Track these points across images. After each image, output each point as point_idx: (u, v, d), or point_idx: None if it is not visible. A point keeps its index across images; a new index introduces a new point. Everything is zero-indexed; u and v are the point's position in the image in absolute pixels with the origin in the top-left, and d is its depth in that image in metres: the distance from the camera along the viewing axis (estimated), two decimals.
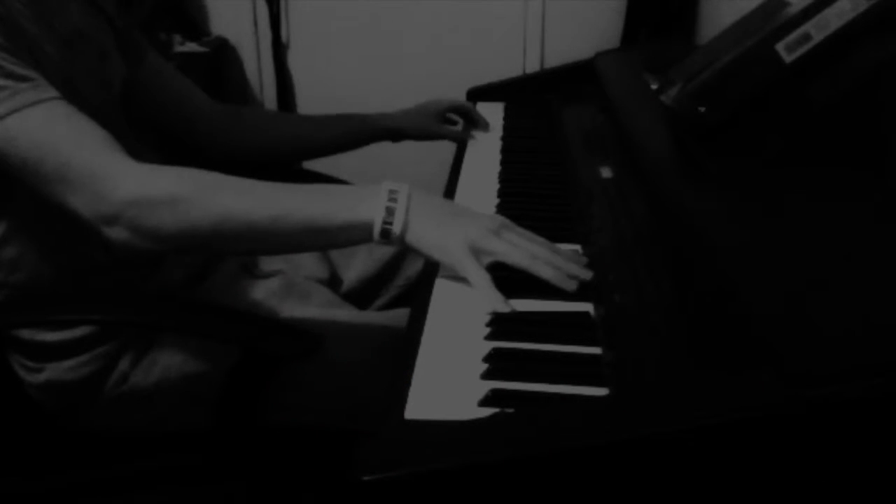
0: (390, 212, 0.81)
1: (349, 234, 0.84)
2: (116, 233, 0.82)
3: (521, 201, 1.07)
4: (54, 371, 0.97)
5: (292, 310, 1.07)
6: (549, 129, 1.38)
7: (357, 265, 1.24)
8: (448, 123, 1.38)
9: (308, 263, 1.21)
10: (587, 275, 0.81)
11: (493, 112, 1.47)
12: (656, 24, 1.73)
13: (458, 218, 0.84)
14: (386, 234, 0.81)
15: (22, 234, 0.94)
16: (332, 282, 1.22)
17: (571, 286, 0.80)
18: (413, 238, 0.82)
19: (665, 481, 0.54)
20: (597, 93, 1.43)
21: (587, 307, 0.78)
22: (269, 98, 2.00)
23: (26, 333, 0.97)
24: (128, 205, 0.81)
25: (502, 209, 1.04)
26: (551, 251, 0.82)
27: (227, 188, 0.84)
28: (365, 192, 0.83)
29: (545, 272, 0.80)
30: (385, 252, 1.23)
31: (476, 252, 0.81)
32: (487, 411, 0.63)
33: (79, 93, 0.88)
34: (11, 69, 0.82)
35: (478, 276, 0.79)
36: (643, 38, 1.75)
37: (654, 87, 1.15)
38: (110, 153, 0.83)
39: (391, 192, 0.82)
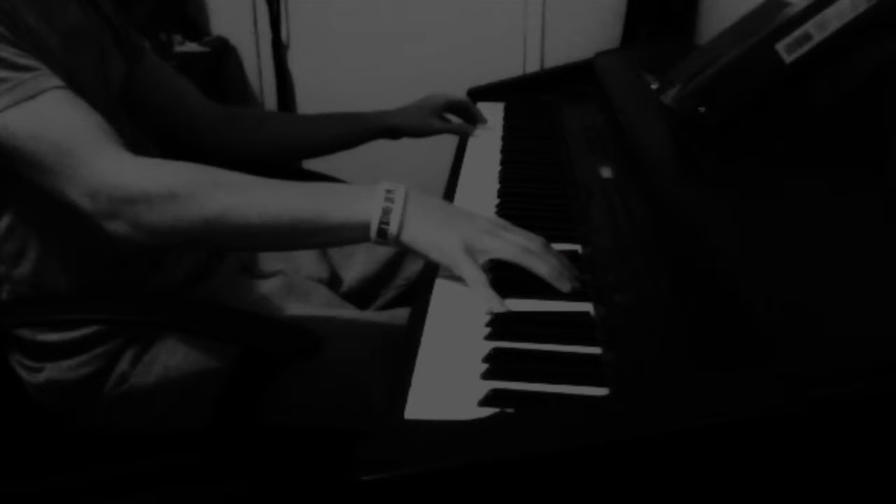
0: (387, 212, 0.81)
1: (346, 234, 0.84)
2: (117, 227, 0.83)
3: (521, 201, 1.07)
4: (54, 371, 0.97)
5: (292, 310, 1.08)
6: (549, 129, 1.38)
7: (357, 265, 1.24)
8: (446, 121, 1.38)
9: (308, 263, 1.21)
10: (574, 278, 0.82)
11: (493, 112, 1.47)
12: (656, 24, 1.73)
13: (455, 218, 0.84)
14: (382, 234, 0.82)
15: (25, 227, 0.94)
16: (332, 282, 1.22)
17: (565, 285, 0.80)
18: (409, 238, 0.82)
19: (665, 481, 0.54)
20: (597, 93, 1.43)
21: (587, 307, 0.78)
22: (269, 98, 2.00)
23: (27, 333, 0.97)
24: (127, 200, 0.81)
25: (502, 209, 1.04)
26: (547, 250, 0.83)
27: (226, 185, 0.84)
28: (362, 191, 0.83)
29: (540, 268, 0.80)
30: (385, 252, 1.23)
31: (471, 251, 0.81)
32: (487, 411, 0.63)
33: (81, 89, 0.89)
34: (14, 60, 0.82)
35: (473, 275, 0.79)
36: (643, 38, 1.75)
37: (654, 87, 1.16)
38: (111, 147, 0.83)
39: (388, 192, 0.82)
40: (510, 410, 0.63)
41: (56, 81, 0.84)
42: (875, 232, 0.73)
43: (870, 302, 0.62)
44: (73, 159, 0.82)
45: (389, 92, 1.71)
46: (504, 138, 1.36)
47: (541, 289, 0.80)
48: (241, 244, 0.98)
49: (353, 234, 0.83)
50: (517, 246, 0.81)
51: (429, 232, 0.82)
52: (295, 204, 0.84)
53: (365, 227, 0.82)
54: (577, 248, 0.91)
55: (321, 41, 1.96)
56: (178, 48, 1.85)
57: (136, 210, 0.81)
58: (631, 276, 0.81)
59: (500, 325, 0.75)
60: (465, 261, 0.80)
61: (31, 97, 0.82)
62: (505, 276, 0.80)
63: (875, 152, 0.88)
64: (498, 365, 0.69)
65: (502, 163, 1.23)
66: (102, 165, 0.82)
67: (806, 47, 0.87)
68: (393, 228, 0.81)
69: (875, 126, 0.90)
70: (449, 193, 1.12)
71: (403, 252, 1.21)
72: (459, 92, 1.50)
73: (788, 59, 0.88)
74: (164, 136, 1.17)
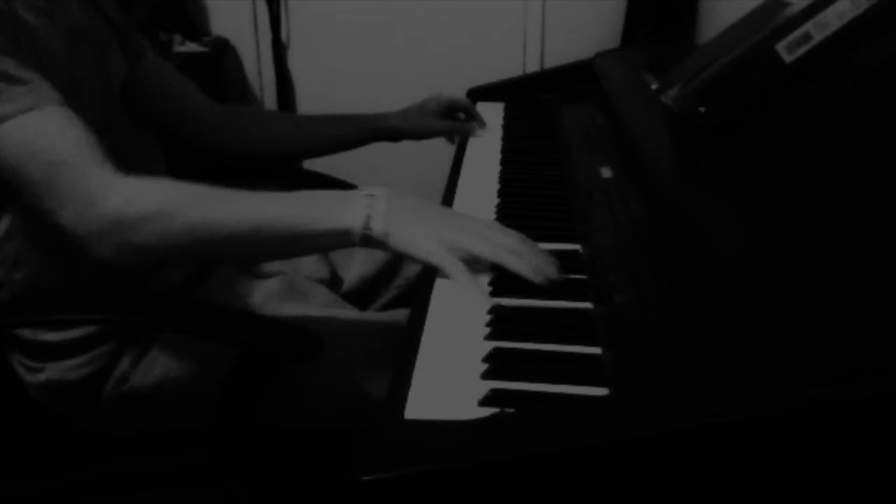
0: (369, 217, 0.82)
1: (331, 241, 0.85)
2: (102, 250, 0.82)
3: (521, 201, 1.07)
4: (55, 371, 0.97)
5: (292, 310, 1.08)
6: (549, 129, 1.38)
7: (357, 265, 1.24)
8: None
9: (308, 263, 1.21)
10: (555, 273, 0.82)
11: (493, 112, 1.47)
12: (656, 24, 1.73)
13: (435, 216, 0.85)
14: (367, 239, 0.82)
15: (23, 232, 0.94)
16: (332, 282, 1.22)
17: (540, 279, 0.80)
18: (392, 240, 0.83)
19: (665, 481, 0.54)
20: (597, 93, 1.43)
21: (587, 307, 0.78)
22: (269, 98, 2.00)
23: (27, 333, 0.97)
24: (112, 223, 0.81)
25: (502, 209, 1.04)
26: (526, 247, 0.83)
27: (209, 201, 0.84)
28: (344, 198, 0.84)
29: (518, 266, 0.81)
30: (385, 252, 1.23)
31: (448, 246, 0.81)
32: (487, 411, 0.63)
33: (82, 89, 0.88)
34: (10, 73, 0.81)
35: (454, 268, 0.80)
36: (643, 38, 1.75)
37: (654, 87, 1.15)
38: (98, 167, 0.83)
39: (369, 197, 0.83)
40: (510, 410, 0.63)
41: (51, 95, 0.83)
42: (874, 232, 0.73)
43: (870, 302, 0.62)
44: (60, 179, 0.81)
45: (389, 92, 1.71)
46: (504, 138, 1.35)
47: (540, 289, 0.80)
48: (227, 257, 0.99)
49: (337, 241, 0.85)
50: (492, 243, 0.82)
51: (408, 232, 0.83)
52: (278, 215, 0.84)
53: (348, 234, 0.83)
54: (578, 247, 0.91)
55: (321, 41, 1.96)
56: (178, 48, 1.85)
57: (121, 234, 0.81)
58: (631, 276, 0.81)
59: (501, 325, 0.75)
60: (443, 254, 0.81)
61: (25, 112, 0.81)
62: (505, 277, 0.80)
63: (875, 152, 0.88)
64: (498, 365, 0.69)
65: (502, 163, 1.23)
66: (88, 187, 0.82)
67: (806, 47, 0.87)
68: (376, 233, 0.82)
69: (875, 126, 0.90)
70: (449, 193, 1.12)
71: None
72: (459, 92, 1.50)
73: (788, 59, 0.88)
74: (165, 135, 1.17)
